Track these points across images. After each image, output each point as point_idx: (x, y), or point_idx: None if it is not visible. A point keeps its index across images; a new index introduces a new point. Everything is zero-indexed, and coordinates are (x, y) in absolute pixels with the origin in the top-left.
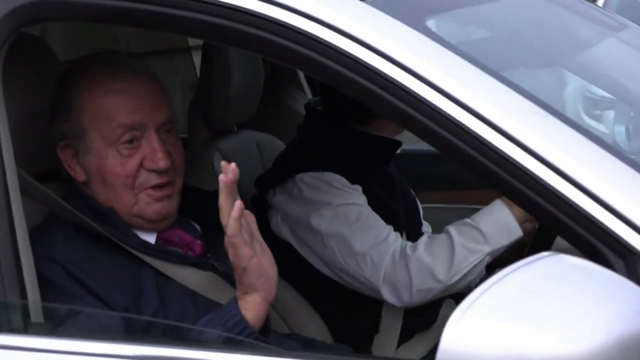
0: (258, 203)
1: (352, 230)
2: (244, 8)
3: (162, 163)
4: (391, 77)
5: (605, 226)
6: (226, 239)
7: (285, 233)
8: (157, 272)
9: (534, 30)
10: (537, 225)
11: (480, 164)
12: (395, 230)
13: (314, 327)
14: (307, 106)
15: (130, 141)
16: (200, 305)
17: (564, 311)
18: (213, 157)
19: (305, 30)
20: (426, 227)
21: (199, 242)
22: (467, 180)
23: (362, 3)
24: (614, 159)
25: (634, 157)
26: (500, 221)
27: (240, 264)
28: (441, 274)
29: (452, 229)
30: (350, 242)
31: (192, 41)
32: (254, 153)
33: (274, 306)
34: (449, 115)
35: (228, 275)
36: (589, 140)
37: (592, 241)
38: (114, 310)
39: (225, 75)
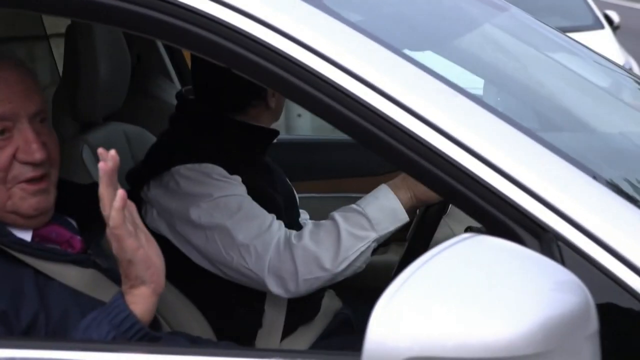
0: (131, 198)
1: (234, 221)
2: None
3: (38, 155)
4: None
5: (519, 205)
6: (108, 231)
7: (162, 228)
8: (37, 272)
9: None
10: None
11: (386, 142)
12: (277, 219)
13: (196, 324)
14: (179, 95)
15: (2, 132)
16: (84, 305)
17: (493, 293)
18: (82, 150)
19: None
20: (304, 215)
21: (78, 238)
22: (342, 168)
23: None
24: (523, 136)
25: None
26: (386, 206)
27: (125, 257)
28: (327, 263)
29: (337, 215)
30: (232, 233)
31: (51, 29)
32: (123, 146)
33: None
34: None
35: (111, 271)
36: (497, 117)
37: (506, 221)
38: None
39: (92, 64)
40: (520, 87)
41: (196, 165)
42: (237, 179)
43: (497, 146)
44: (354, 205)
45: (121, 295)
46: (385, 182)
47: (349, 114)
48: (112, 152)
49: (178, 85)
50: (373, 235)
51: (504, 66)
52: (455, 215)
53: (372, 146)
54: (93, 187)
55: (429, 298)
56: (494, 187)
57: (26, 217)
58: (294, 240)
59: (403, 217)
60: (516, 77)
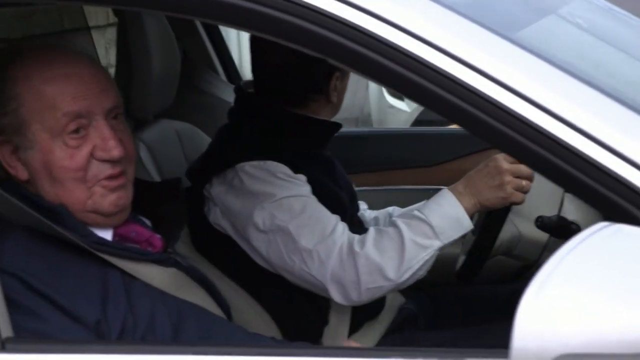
0: (193, 195)
1: (297, 224)
2: None
3: (116, 152)
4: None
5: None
6: None
7: (226, 227)
8: (122, 273)
9: None
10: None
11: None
12: (342, 218)
13: (262, 323)
14: (238, 89)
15: (77, 130)
16: (170, 306)
17: None
18: (139, 149)
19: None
20: (363, 206)
21: (158, 236)
22: (392, 160)
23: None
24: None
25: None
26: (450, 214)
27: None
28: (391, 273)
29: (400, 222)
30: (295, 237)
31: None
32: (175, 143)
33: (220, 304)
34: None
35: (192, 270)
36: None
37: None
38: (85, 327)
39: (145, 59)
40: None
41: (261, 163)
42: (302, 178)
43: (617, 130)
44: (416, 212)
45: None
46: (436, 174)
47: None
48: None
49: (223, 77)
50: (437, 244)
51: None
52: (517, 210)
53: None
54: (164, 185)
55: (580, 292)
56: (614, 172)
57: (106, 215)
58: (356, 248)
59: (467, 225)
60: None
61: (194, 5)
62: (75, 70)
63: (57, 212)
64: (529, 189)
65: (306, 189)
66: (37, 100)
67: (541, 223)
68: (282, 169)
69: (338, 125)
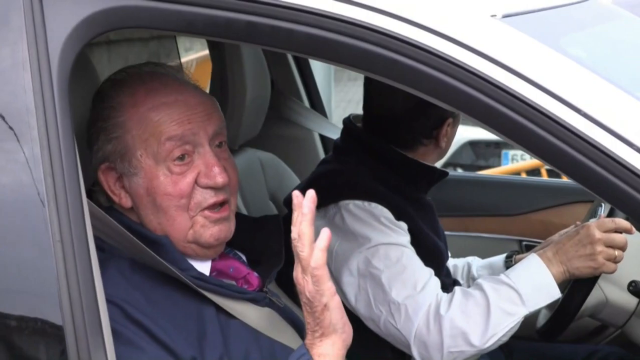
0: (290, 223)
1: (390, 274)
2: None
3: (220, 178)
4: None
5: None
6: (305, 272)
7: None
8: (218, 309)
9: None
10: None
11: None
12: (438, 270)
13: None
14: (347, 121)
15: (182, 157)
16: (264, 347)
17: None
18: None
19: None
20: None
21: (255, 274)
22: (475, 207)
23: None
24: None
25: None
26: (538, 281)
27: (322, 301)
28: (476, 339)
29: (487, 286)
30: (386, 287)
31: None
32: (259, 173)
33: None
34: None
35: (286, 311)
36: None
37: None
38: None
39: (241, 90)
40: None
41: (366, 204)
42: (404, 226)
43: None
44: (503, 277)
45: (306, 350)
46: (517, 224)
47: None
48: (312, 192)
49: (307, 104)
50: (523, 312)
51: None
52: (605, 275)
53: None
54: (263, 221)
55: None
56: None
57: (205, 246)
58: (442, 310)
59: (555, 293)
60: None
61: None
62: (181, 97)
63: (161, 243)
64: (621, 259)
65: (405, 238)
66: (143, 126)
67: (634, 288)
68: (385, 213)
69: (445, 174)
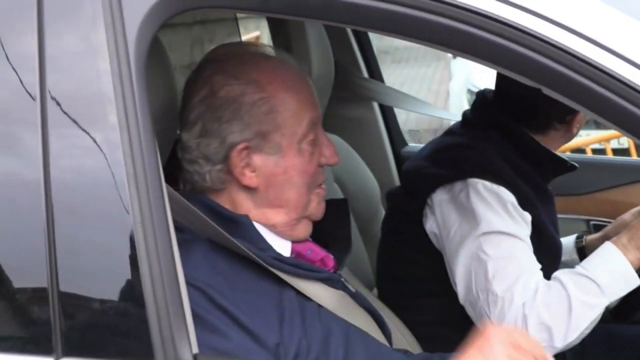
0: (407, 197)
1: (497, 264)
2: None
3: (336, 158)
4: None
5: None
6: None
7: (435, 237)
8: (297, 293)
9: None
10: None
11: None
12: (553, 263)
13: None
14: (480, 95)
15: (313, 138)
16: (340, 329)
17: None
18: None
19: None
20: None
21: (331, 256)
22: None
23: None
24: None
25: None
26: (617, 270)
27: None
28: (560, 335)
29: (566, 279)
30: (489, 276)
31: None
32: None
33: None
34: None
35: (359, 296)
36: None
37: None
38: (266, 349)
39: (306, 68)
40: None
41: (495, 187)
42: (527, 218)
43: None
44: (580, 269)
45: None
46: (584, 203)
47: None
48: None
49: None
50: (604, 302)
51: None
52: None
53: None
54: (331, 205)
55: None
56: None
57: (315, 220)
58: (527, 310)
59: (635, 281)
60: None
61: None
62: (303, 77)
63: (240, 222)
64: None
65: (525, 231)
66: (286, 105)
67: None
68: (512, 198)
69: (574, 167)
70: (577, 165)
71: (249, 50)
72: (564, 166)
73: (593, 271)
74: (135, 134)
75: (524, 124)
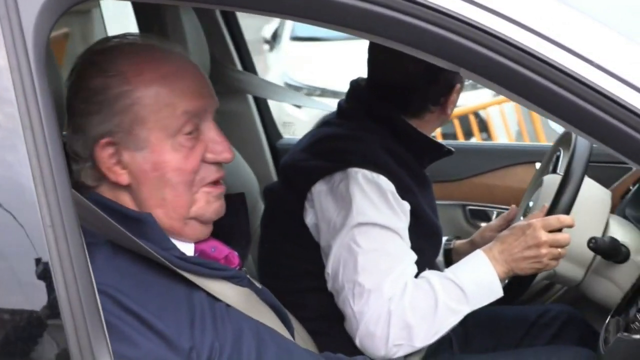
0: (287, 191)
1: (367, 257)
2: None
3: (228, 154)
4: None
5: None
6: None
7: (313, 226)
8: (207, 293)
9: None
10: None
11: None
12: (434, 247)
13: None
14: (354, 84)
15: (191, 132)
16: (251, 327)
17: None
18: None
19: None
20: None
21: (236, 253)
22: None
23: None
24: None
25: None
26: (484, 280)
27: None
28: (420, 334)
29: (435, 282)
30: (358, 268)
31: None
32: None
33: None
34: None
35: (263, 292)
36: None
37: None
38: (180, 355)
39: None
40: None
41: (374, 176)
42: (406, 207)
43: None
44: (450, 274)
45: None
46: (459, 189)
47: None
48: None
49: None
50: (466, 310)
51: None
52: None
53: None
54: (229, 199)
55: None
56: None
57: (206, 223)
58: (392, 306)
59: (498, 293)
60: None
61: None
62: (185, 67)
63: (144, 221)
64: (565, 255)
65: (402, 224)
66: (154, 97)
67: (594, 245)
68: (392, 187)
69: (451, 152)
70: (453, 150)
71: (131, 43)
72: (441, 151)
73: (462, 278)
74: (39, 130)
75: (399, 110)
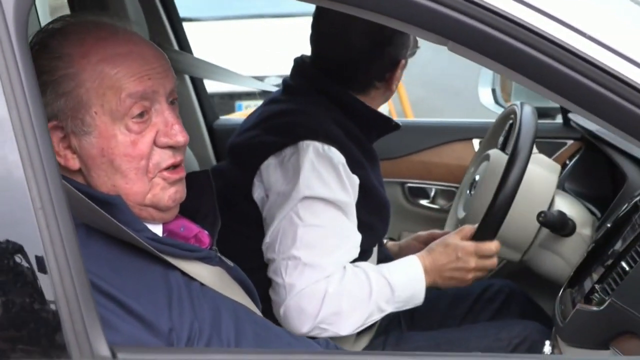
0: (237, 170)
1: (309, 232)
2: None
3: (181, 137)
4: None
5: None
6: None
7: (260, 198)
8: (182, 274)
9: None
10: None
11: None
12: (384, 221)
13: None
14: (299, 61)
15: (141, 114)
16: (228, 307)
17: None
18: None
19: None
20: None
21: (205, 232)
22: None
23: None
24: None
25: None
26: (414, 289)
27: None
28: (344, 328)
29: (374, 277)
30: (296, 240)
31: None
32: None
33: (257, 306)
34: None
35: (234, 269)
36: None
37: None
38: (160, 336)
39: None
40: None
41: (326, 148)
42: (355, 181)
43: None
44: (387, 273)
45: None
46: (400, 166)
47: None
48: None
49: None
50: (388, 311)
51: None
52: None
53: None
54: (193, 178)
55: None
56: None
57: (163, 209)
58: (332, 287)
59: (418, 302)
60: None
61: None
62: (137, 49)
63: (113, 204)
64: (493, 266)
65: (350, 199)
66: (98, 79)
67: (544, 218)
68: (343, 160)
69: (398, 126)
70: (400, 124)
71: (81, 23)
72: (389, 125)
73: (396, 281)
74: (24, 109)
75: (345, 86)
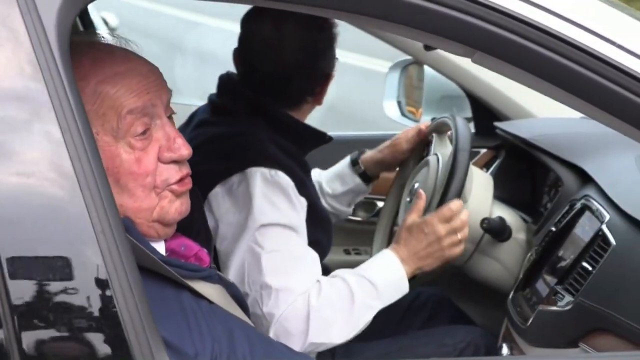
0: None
1: (272, 258)
2: None
3: (185, 150)
4: None
5: None
6: None
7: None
8: (192, 293)
9: None
10: None
11: None
12: (328, 233)
13: None
14: (226, 77)
15: (143, 132)
16: (237, 324)
17: None
18: None
19: None
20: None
21: (205, 250)
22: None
23: None
24: None
25: None
26: (394, 277)
27: None
28: (338, 332)
29: (350, 279)
30: (263, 270)
31: None
32: None
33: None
34: None
35: (231, 286)
36: None
37: None
38: None
39: None
40: None
41: (273, 173)
42: (303, 203)
43: None
44: (363, 272)
45: None
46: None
47: None
48: None
49: None
50: (379, 305)
51: None
52: None
53: None
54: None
55: None
56: None
57: (169, 224)
58: (312, 301)
59: (405, 289)
60: None
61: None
62: (134, 65)
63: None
64: (465, 238)
65: (301, 221)
66: (98, 100)
67: (488, 225)
68: (290, 184)
69: (331, 138)
70: (332, 137)
71: (81, 41)
72: (322, 138)
73: (374, 276)
74: (75, 128)
75: (277, 102)
